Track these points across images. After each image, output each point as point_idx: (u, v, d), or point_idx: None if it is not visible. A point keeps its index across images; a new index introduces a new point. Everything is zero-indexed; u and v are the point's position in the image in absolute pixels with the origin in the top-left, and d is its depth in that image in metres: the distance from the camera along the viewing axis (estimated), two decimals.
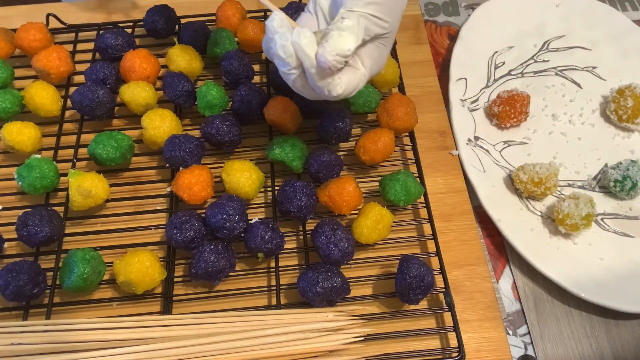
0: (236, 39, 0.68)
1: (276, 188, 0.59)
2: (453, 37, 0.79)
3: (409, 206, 0.59)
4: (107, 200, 0.58)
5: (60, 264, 0.54)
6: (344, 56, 0.45)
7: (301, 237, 0.58)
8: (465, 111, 0.69)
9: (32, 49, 0.66)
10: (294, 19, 0.50)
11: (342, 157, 0.60)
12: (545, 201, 0.64)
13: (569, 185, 0.65)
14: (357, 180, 0.58)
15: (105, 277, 0.55)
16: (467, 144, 0.66)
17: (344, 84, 0.48)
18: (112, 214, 0.59)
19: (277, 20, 0.45)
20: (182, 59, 0.64)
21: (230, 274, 0.55)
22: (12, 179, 0.57)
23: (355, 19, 0.45)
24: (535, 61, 0.75)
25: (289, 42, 0.45)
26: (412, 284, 0.51)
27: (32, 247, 0.55)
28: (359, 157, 0.60)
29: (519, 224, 0.61)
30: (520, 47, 0.76)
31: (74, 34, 0.71)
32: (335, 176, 0.59)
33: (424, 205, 0.59)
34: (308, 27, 0.47)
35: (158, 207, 0.60)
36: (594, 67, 0.74)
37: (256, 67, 0.69)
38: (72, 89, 0.66)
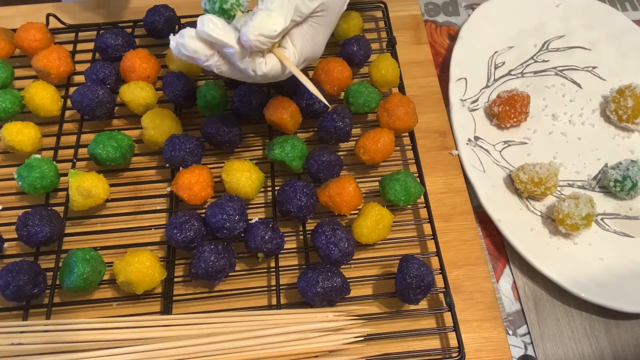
0: None
1: (276, 188, 0.59)
2: (453, 37, 0.79)
3: (409, 206, 0.59)
4: (107, 200, 0.58)
5: (60, 264, 0.54)
6: (269, 37, 0.43)
7: (301, 237, 0.58)
8: (465, 111, 0.69)
9: (32, 49, 0.66)
10: None
11: (342, 157, 0.60)
12: (545, 201, 0.64)
13: (569, 185, 0.65)
14: (357, 180, 0.58)
15: (105, 277, 0.55)
16: (467, 144, 0.66)
17: (269, 63, 0.46)
18: (112, 214, 0.59)
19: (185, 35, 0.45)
20: None
21: (230, 274, 0.55)
22: (12, 179, 0.57)
23: None
24: (535, 61, 0.75)
25: (190, 37, 0.44)
26: (412, 284, 0.51)
27: (32, 247, 0.55)
28: (359, 157, 0.60)
29: (519, 224, 0.61)
30: (520, 47, 0.76)
31: (74, 34, 0.71)
32: (335, 176, 0.58)
33: (424, 205, 0.59)
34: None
35: (158, 207, 0.60)
36: (594, 67, 0.74)
37: None
38: (72, 89, 0.66)
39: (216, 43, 0.45)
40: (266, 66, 0.46)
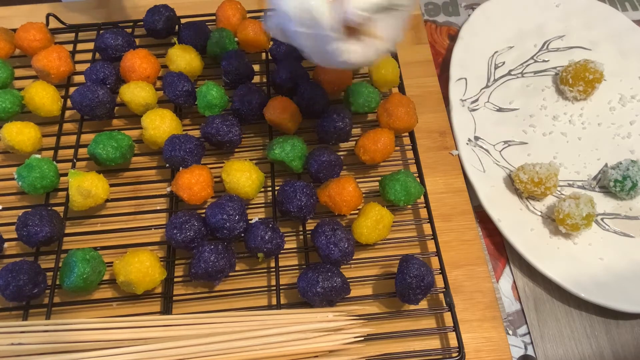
0: (236, 39, 0.68)
1: (276, 188, 0.59)
2: (453, 37, 0.79)
3: (409, 206, 0.59)
4: (107, 200, 0.58)
5: (60, 264, 0.54)
6: (368, 10, 0.43)
7: (301, 237, 0.58)
8: (465, 111, 0.69)
9: (32, 49, 0.66)
10: None
11: (342, 157, 0.60)
12: (545, 201, 0.64)
13: (569, 185, 0.65)
14: (357, 180, 0.58)
15: (105, 277, 0.55)
16: (467, 144, 0.66)
17: (359, 51, 0.45)
18: (112, 214, 0.59)
19: None
20: (182, 59, 0.64)
21: (230, 274, 0.55)
22: (12, 179, 0.57)
23: None
24: (535, 61, 0.75)
25: None
26: (412, 284, 0.51)
27: (32, 247, 0.55)
28: (359, 157, 0.60)
29: (519, 224, 0.61)
30: (520, 47, 0.76)
31: (74, 34, 0.71)
32: (335, 176, 0.58)
33: (424, 205, 0.59)
34: None
35: (158, 207, 0.60)
36: None
37: (256, 67, 0.69)
38: (72, 89, 0.66)
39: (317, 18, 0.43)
40: (355, 55, 0.45)
